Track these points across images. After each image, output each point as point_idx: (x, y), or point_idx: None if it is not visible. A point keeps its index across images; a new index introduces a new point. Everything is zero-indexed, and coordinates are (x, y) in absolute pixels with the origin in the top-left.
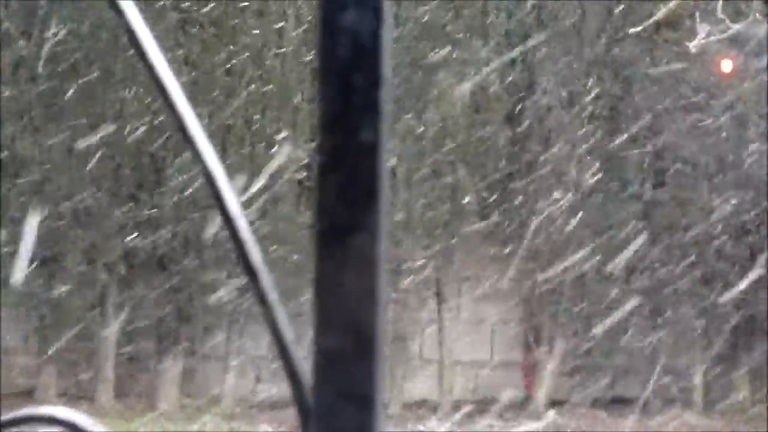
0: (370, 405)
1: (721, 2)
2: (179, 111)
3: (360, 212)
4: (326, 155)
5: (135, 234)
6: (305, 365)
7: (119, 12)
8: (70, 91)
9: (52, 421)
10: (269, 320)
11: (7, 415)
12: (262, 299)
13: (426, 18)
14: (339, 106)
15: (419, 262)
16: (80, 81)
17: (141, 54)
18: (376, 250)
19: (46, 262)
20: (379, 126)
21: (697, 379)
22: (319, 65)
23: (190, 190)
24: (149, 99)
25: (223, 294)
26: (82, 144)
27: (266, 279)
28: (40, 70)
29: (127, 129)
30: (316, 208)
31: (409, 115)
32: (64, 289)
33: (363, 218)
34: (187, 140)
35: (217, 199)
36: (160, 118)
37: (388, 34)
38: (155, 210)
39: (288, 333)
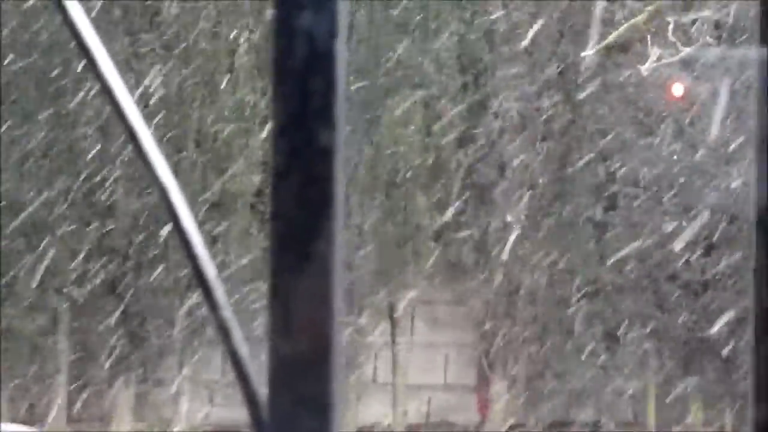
0: (327, 411)
1: (672, 26)
2: (131, 122)
3: (316, 217)
4: (282, 159)
5: (88, 258)
6: (259, 378)
7: (65, 14)
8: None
9: None
10: (223, 333)
11: None
12: (215, 312)
13: (379, 41)
14: (295, 109)
15: (373, 286)
16: (32, 104)
17: (90, 63)
18: (333, 255)
19: None
20: (335, 130)
21: (650, 401)
22: (274, 68)
23: (143, 214)
24: (104, 123)
25: (175, 318)
26: (34, 167)
27: (220, 292)
28: None
29: (80, 153)
30: (272, 213)
31: (362, 139)
32: (15, 313)
33: (319, 223)
34: (139, 153)
35: (170, 213)
36: (114, 141)
37: (344, 36)
38: (107, 234)
39: (242, 346)
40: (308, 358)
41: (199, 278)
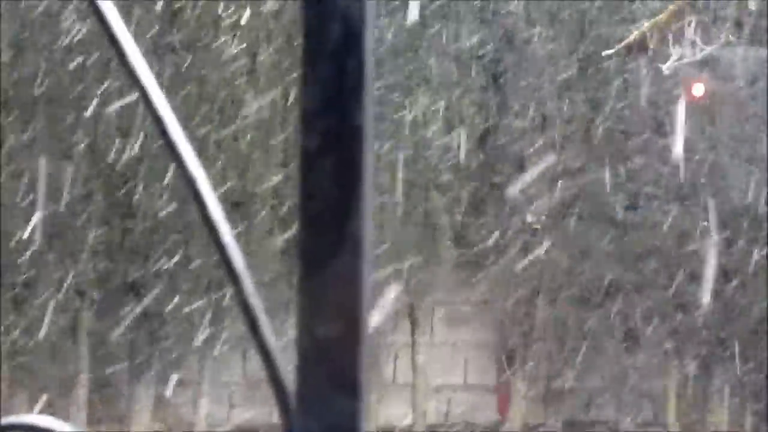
0: (357, 392)
1: (693, 25)
2: (159, 113)
3: (347, 197)
4: (312, 140)
5: (107, 259)
6: (287, 371)
7: (99, 13)
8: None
9: (33, 430)
10: (250, 322)
11: None
12: (244, 303)
13: (399, 41)
14: (325, 90)
15: (393, 287)
16: (54, 106)
17: (121, 58)
18: (364, 236)
19: (19, 287)
20: (365, 110)
21: (671, 401)
22: (306, 48)
23: (164, 216)
24: (125, 123)
25: (196, 320)
26: (54, 169)
27: (248, 283)
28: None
29: (101, 154)
30: (301, 194)
31: (381, 140)
32: (35, 315)
33: (350, 203)
34: (168, 143)
35: (198, 203)
36: (135, 143)
37: (374, 17)
38: (128, 235)
39: (269, 334)
40: (338, 336)
41: (227, 267)
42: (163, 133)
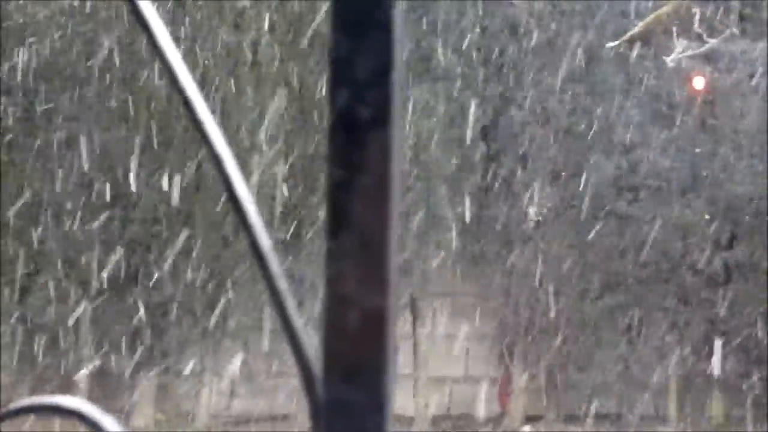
0: (383, 382)
1: (698, 17)
2: (187, 93)
3: (372, 172)
4: (339, 120)
5: (110, 250)
6: (314, 352)
7: (137, 11)
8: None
9: (57, 410)
10: (277, 304)
11: (12, 404)
12: (270, 284)
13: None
14: (352, 67)
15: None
16: (60, 100)
17: (160, 55)
18: (389, 221)
19: (22, 278)
20: (392, 96)
21: (672, 395)
22: (334, 19)
23: (166, 207)
24: (126, 118)
25: (197, 310)
26: (59, 160)
27: (275, 264)
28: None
29: (104, 145)
30: (329, 166)
31: None
32: (38, 305)
33: (375, 174)
34: (195, 122)
35: (225, 183)
36: (136, 134)
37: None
38: (130, 226)
39: (296, 317)
40: (366, 315)
41: (254, 248)
42: (189, 110)
